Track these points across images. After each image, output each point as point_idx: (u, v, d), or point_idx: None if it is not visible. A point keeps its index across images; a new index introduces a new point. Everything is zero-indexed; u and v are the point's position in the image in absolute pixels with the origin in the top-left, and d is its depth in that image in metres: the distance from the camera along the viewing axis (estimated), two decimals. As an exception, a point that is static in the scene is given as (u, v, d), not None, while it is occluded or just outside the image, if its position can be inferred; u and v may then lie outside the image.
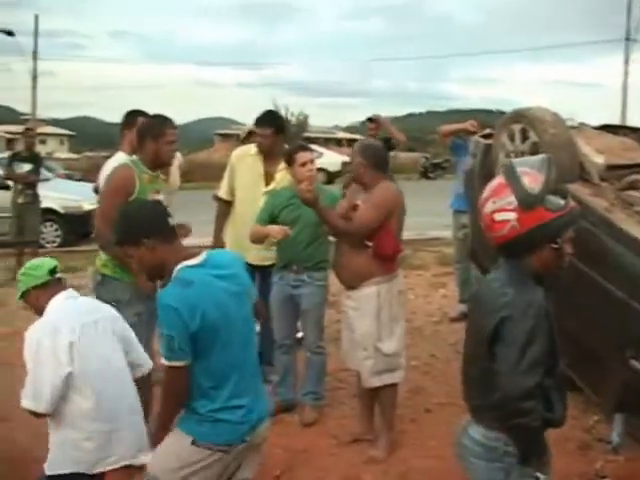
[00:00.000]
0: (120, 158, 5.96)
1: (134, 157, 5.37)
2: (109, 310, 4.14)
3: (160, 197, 5.22)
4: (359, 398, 5.74)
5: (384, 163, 5.49)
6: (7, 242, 12.52)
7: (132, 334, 4.15)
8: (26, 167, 12.33)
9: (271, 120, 6.57)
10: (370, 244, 5.24)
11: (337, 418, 6.03)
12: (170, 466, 3.49)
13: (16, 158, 12.62)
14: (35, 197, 12.32)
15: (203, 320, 3.31)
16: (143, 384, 4.19)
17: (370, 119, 9.49)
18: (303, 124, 49.01)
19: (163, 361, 3.37)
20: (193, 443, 3.43)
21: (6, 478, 4.99)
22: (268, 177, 6.51)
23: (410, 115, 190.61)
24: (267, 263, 6.26)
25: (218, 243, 6.79)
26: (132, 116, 6.14)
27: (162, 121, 5.33)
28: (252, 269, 6.45)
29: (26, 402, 3.80)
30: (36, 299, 4.05)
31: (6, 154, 14.20)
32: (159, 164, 5.30)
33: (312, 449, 5.53)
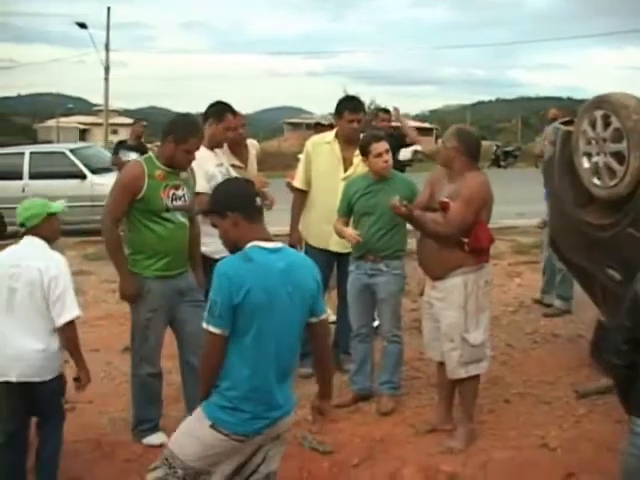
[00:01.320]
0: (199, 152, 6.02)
1: (150, 153, 5.38)
2: (36, 263, 4.47)
3: (180, 193, 5.23)
4: (438, 388, 5.71)
5: (477, 153, 5.38)
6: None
7: (59, 288, 4.42)
8: (132, 155, 12.51)
9: (360, 104, 6.67)
10: (466, 240, 5.16)
11: (414, 407, 6.01)
12: (188, 445, 3.61)
13: (123, 146, 12.88)
14: None
15: (246, 297, 3.40)
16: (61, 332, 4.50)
17: (385, 110, 9.42)
18: (375, 113, 48.94)
19: (204, 324, 3.50)
20: (212, 427, 3.54)
21: (93, 458, 5.09)
22: (346, 163, 6.52)
23: (480, 103, 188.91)
24: (347, 251, 6.23)
25: (294, 234, 6.83)
26: (223, 110, 6.17)
27: (190, 128, 5.26)
28: (332, 257, 6.48)
29: None
30: None
31: (83, 143, 14.43)
32: (173, 166, 5.27)
33: (389, 439, 5.51)
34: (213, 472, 3.64)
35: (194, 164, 5.50)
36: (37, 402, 4.53)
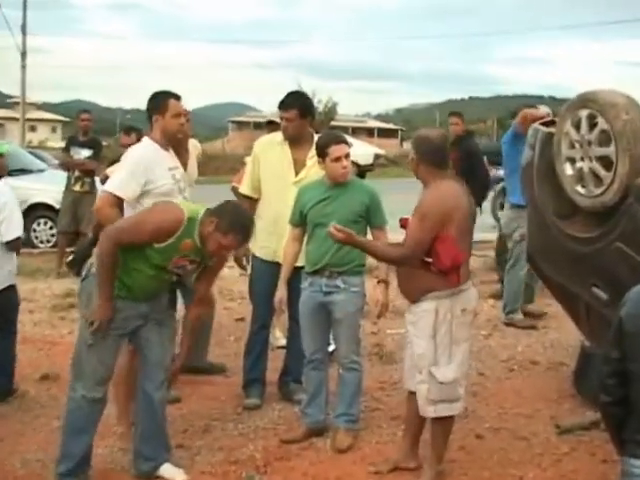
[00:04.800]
0: (147, 145, 6.02)
1: (199, 215, 5.20)
2: None
3: (189, 267, 5.24)
4: (405, 420, 5.66)
5: (441, 158, 5.29)
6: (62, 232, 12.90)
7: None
8: (85, 153, 12.57)
9: (295, 100, 6.63)
10: (429, 259, 5.09)
11: (374, 443, 6.00)
12: None
13: (74, 143, 12.74)
14: (93, 186, 12.45)
15: None
16: None
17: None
18: (331, 112, 49.04)
19: None
20: None
21: None
22: (298, 165, 6.57)
23: (450, 101, 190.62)
24: (299, 265, 6.24)
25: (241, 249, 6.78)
26: (163, 98, 6.10)
27: (236, 226, 5.10)
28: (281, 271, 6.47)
29: None
30: None
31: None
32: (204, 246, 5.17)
33: (346, 478, 5.49)
34: None
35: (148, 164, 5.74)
36: None
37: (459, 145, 10.46)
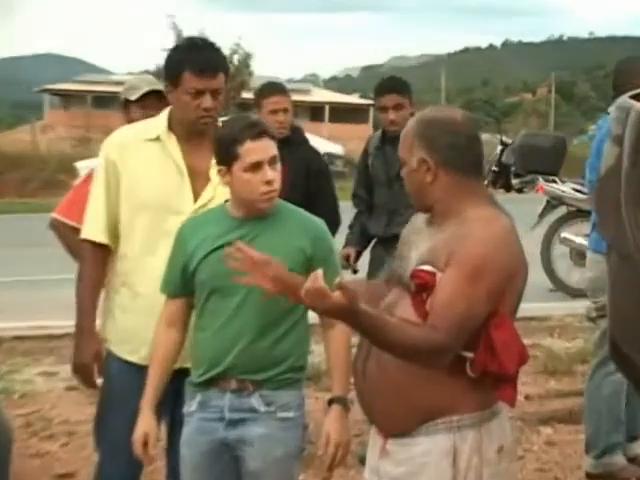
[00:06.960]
0: None
1: None
2: None
3: None
4: None
5: (475, 159, 5.05)
6: None
7: None
8: None
9: (219, 55, 6.32)
10: (469, 355, 4.69)
11: None
12: None
13: None
14: None
15: None
16: None
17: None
18: (241, 72, 49.45)
19: None
20: None
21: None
22: (198, 180, 6.20)
23: (469, 51, 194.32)
24: (185, 365, 5.90)
25: (88, 340, 6.47)
26: None
27: None
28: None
29: None
30: None
31: None
32: None
33: None
34: None
35: None
36: None
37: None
